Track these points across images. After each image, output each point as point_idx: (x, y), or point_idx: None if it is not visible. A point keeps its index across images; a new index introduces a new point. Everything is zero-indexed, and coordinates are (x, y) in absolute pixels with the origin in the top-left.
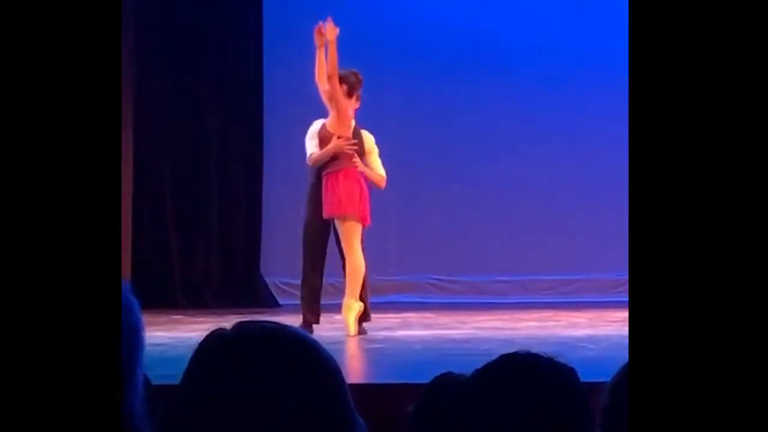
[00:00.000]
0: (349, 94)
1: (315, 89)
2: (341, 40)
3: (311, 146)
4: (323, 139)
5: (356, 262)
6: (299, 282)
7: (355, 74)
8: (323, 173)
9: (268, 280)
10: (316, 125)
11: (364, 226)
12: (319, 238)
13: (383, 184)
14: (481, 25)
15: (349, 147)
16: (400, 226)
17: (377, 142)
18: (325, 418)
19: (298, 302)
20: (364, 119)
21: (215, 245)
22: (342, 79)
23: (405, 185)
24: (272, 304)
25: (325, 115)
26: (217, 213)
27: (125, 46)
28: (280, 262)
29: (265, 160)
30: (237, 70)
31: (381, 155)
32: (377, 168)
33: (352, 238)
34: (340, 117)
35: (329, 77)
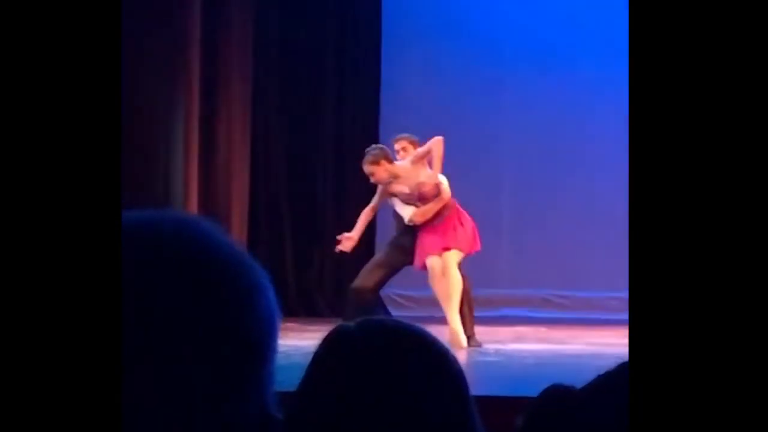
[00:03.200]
0: (389, 161)
1: (432, 91)
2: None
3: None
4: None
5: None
6: (413, 294)
7: (380, 148)
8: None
9: (381, 291)
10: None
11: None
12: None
13: (446, 193)
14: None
15: (425, 213)
16: (513, 241)
17: (501, 149)
18: (451, 417)
19: (412, 314)
20: (488, 124)
21: (330, 254)
22: (376, 162)
23: (519, 200)
24: (385, 315)
25: (439, 124)
26: (332, 221)
27: (243, 49)
28: None
29: None
30: (355, 73)
31: (501, 164)
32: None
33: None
34: (403, 181)
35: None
